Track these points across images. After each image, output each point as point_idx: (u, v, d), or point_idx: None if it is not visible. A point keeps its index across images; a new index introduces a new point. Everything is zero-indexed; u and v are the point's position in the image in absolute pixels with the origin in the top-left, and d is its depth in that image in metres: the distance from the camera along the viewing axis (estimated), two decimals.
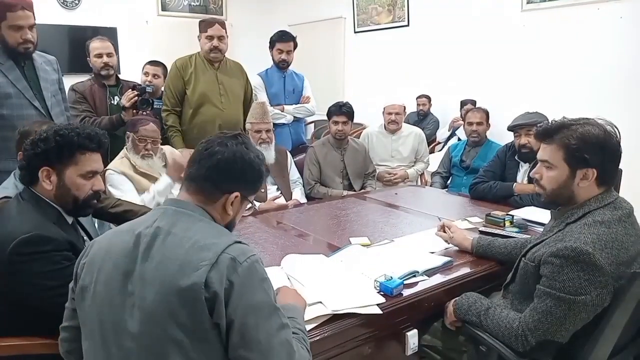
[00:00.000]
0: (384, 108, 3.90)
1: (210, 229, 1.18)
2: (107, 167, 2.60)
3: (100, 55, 3.26)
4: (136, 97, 3.07)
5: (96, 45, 3.29)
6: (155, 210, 1.24)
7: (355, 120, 3.69)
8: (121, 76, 3.49)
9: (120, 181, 2.59)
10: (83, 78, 3.48)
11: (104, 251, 1.18)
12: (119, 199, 2.33)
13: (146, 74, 3.93)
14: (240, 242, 1.15)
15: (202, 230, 1.16)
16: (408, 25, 6.07)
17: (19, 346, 1.43)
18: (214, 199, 1.24)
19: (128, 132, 2.72)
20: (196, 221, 1.18)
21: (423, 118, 5.90)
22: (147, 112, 3.07)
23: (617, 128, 1.52)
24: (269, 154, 3.10)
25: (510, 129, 2.90)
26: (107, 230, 1.27)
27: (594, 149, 1.46)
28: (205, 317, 1.06)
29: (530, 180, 2.55)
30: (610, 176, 1.52)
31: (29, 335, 1.45)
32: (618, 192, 1.59)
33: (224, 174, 1.22)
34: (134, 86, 3.18)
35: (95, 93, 3.24)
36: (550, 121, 1.60)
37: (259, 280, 1.11)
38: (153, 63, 3.99)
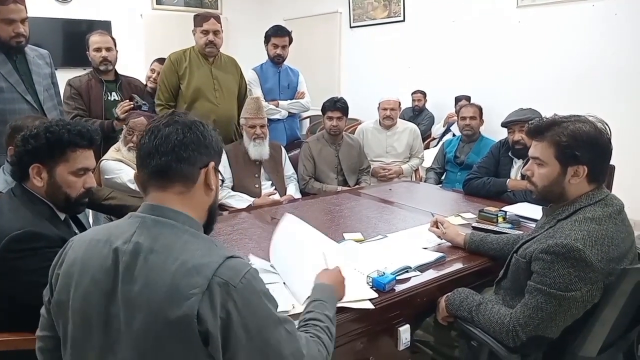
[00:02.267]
0: (379, 103, 3.90)
1: (198, 243, 1.05)
2: (102, 158, 2.62)
3: (99, 50, 3.22)
4: (131, 111, 3.03)
5: (95, 39, 3.25)
6: (132, 220, 1.09)
7: (350, 116, 3.69)
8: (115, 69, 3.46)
9: (115, 166, 2.62)
10: (77, 72, 3.46)
11: (79, 264, 1.08)
12: (113, 191, 2.33)
13: (152, 70, 3.88)
14: (232, 257, 1.03)
15: (188, 246, 1.03)
16: (404, 20, 6.07)
17: (10, 342, 1.43)
18: (193, 181, 1.12)
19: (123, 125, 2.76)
20: (180, 234, 1.05)
21: (418, 114, 5.91)
22: None
23: (607, 125, 1.52)
24: (263, 150, 3.10)
25: (504, 125, 2.91)
26: (84, 232, 1.18)
27: (584, 146, 1.46)
28: (199, 349, 0.97)
29: (524, 176, 2.56)
30: (600, 173, 1.52)
31: (20, 331, 1.45)
32: (610, 189, 1.60)
33: (192, 146, 1.11)
34: (130, 97, 3.15)
35: (91, 88, 3.22)
36: (541, 118, 1.60)
37: (258, 298, 1.03)
38: (161, 61, 3.95)
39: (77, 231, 1.75)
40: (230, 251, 1.07)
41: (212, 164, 1.15)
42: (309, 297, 1.35)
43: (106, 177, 2.60)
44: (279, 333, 1.04)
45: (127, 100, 3.09)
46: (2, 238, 1.40)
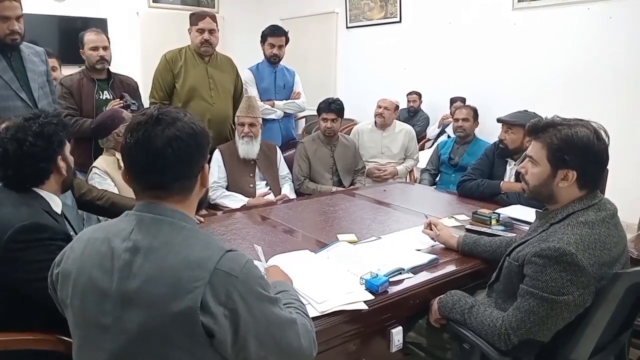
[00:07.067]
0: (378, 102, 3.91)
1: (196, 239, 1.07)
2: (93, 165, 2.58)
3: (96, 49, 3.20)
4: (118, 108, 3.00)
5: (92, 38, 3.23)
6: (129, 218, 1.10)
7: (345, 116, 3.69)
8: (111, 68, 3.40)
9: (100, 183, 2.51)
10: (72, 69, 3.44)
11: (77, 263, 1.09)
12: (106, 191, 2.31)
13: None
14: (230, 250, 1.06)
15: (187, 242, 1.05)
16: (400, 21, 6.08)
17: (7, 342, 1.40)
18: (191, 189, 1.13)
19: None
20: (179, 230, 1.07)
21: (413, 115, 5.92)
22: None
23: (607, 132, 1.51)
24: (251, 149, 3.07)
25: (498, 121, 2.93)
26: (81, 232, 1.18)
27: (575, 151, 1.46)
28: (204, 340, 1.00)
29: (518, 179, 2.57)
30: (592, 180, 1.51)
31: (21, 329, 1.42)
32: (603, 192, 1.60)
33: (187, 158, 1.08)
34: (121, 96, 3.13)
35: (83, 87, 3.20)
36: (541, 118, 1.60)
37: (258, 284, 1.07)
38: None
39: (73, 226, 1.76)
40: (227, 245, 1.09)
41: (206, 166, 1.16)
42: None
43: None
44: (277, 310, 1.11)
45: (118, 99, 3.08)
46: (6, 229, 1.38)
